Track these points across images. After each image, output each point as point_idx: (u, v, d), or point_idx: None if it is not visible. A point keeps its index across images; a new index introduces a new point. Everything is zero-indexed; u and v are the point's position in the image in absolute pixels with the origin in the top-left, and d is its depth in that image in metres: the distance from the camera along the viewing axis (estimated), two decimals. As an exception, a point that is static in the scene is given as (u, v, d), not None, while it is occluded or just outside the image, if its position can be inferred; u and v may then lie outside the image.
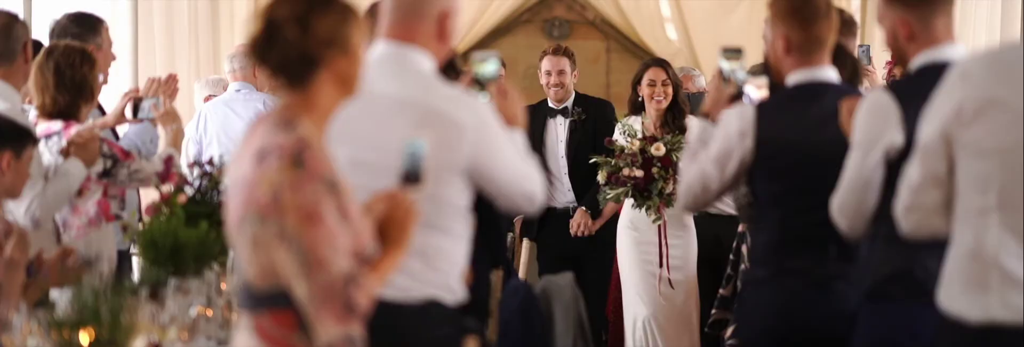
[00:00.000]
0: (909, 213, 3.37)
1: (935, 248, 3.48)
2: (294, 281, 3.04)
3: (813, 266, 4.30)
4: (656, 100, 7.67)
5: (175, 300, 4.13)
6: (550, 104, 8.13)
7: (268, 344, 3.09)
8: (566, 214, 8.02)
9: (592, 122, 7.99)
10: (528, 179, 3.69)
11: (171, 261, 4.60)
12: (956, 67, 3.32)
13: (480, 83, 3.87)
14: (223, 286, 4.47)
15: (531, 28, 12.19)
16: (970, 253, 3.23)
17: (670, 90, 7.69)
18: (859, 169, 3.88)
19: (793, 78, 4.39)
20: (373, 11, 5.47)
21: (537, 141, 7.84)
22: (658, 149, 7.24)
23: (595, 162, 7.42)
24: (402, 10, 3.69)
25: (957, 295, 3.25)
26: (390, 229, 3.23)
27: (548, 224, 8.06)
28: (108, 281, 3.79)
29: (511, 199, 3.70)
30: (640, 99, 7.74)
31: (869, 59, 8.50)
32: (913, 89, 3.84)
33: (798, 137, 4.31)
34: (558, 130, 8.06)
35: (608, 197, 7.35)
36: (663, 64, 7.85)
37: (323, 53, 3.12)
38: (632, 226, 7.62)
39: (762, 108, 4.40)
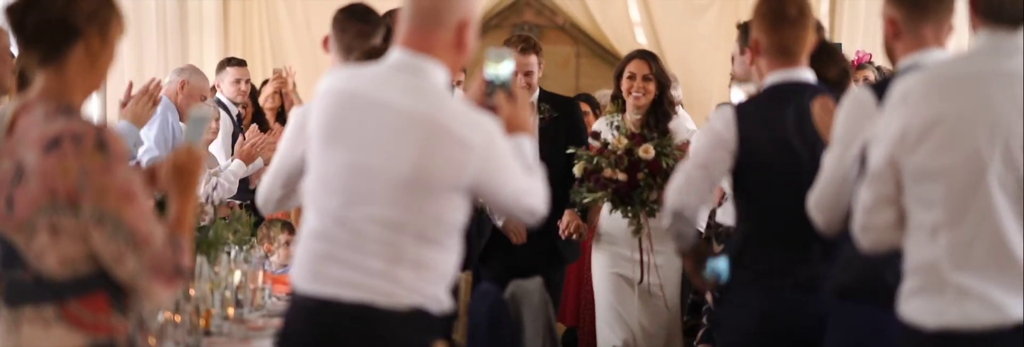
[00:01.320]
0: (865, 232, 3.47)
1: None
2: (119, 260, 3.10)
3: (796, 266, 4.33)
4: (634, 96, 6.77)
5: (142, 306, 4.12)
6: None
7: (86, 331, 3.14)
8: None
9: (563, 122, 7.11)
10: (530, 194, 3.66)
11: (139, 266, 4.57)
12: (896, 89, 3.40)
13: (493, 83, 3.77)
14: (191, 292, 4.46)
15: (500, 33, 12.21)
16: (922, 267, 3.34)
17: (653, 86, 6.79)
18: (837, 165, 3.92)
19: (770, 79, 4.44)
20: (390, 17, 5.51)
21: None
22: (647, 152, 6.33)
23: (573, 153, 6.57)
24: (420, 18, 3.63)
25: (914, 304, 3.36)
26: (180, 176, 3.30)
27: (498, 238, 7.08)
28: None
29: (512, 213, 3.69)
30: (621, 95, 6.89)
31: None
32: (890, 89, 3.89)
33: (775, 136, 4.36)
34: None
35: (584, 200, 6.46)
36: (648, 57, 6.93)
37: (84, 26, 3.18)
38: (609, 239, 6.88)
39: (741, 109, 4.45)
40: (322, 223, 3.61)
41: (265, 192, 4.04)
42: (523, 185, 3.64)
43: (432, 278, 3.59)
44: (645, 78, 6.79)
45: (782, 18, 4.40)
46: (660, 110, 6.78)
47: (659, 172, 6.28)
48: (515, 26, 12.27)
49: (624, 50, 11.69)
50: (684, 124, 6.94)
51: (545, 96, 7.17)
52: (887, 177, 3.37)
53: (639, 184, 6.33)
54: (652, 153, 6.32)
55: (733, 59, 5.64)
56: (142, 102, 6.00)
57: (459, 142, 3.52)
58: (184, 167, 3.29)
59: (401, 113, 3.55)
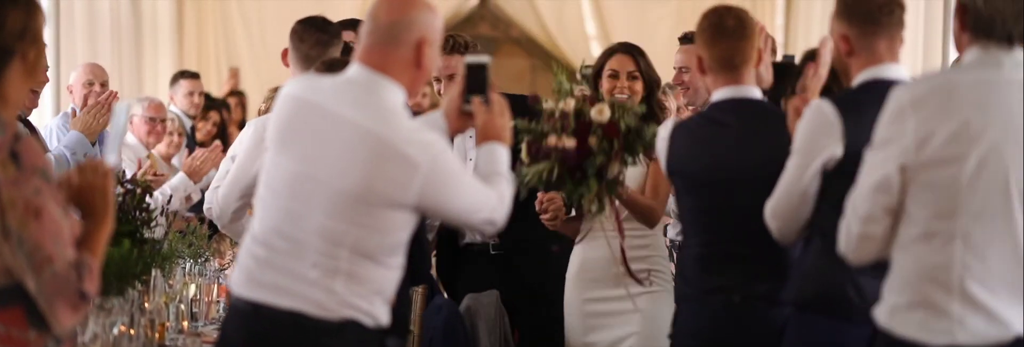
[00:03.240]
0: (863, 242, 3.44)
1: (867, 267, 3.56)
2: (23, 278, 3.04)
3: (739, 284, 4.34)
4: (618, 98, 5.52)
5: (97, 319, 4.10)
6: None
7: (6, 346, 3.09)
8: (485, 253, 6.06)
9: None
10: (486, 208, 3.65)
11: (93, 280, 4.55)
12: (900, 99, 3.38)
13: (471, 89, 3.76)
14: (146, 305, 4.45)
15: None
16: (925, 279, 3.32)
17: (639, 86, 5.68)
18: (798, 178, 3.94)
19: (715, 96, 4.46)
20: (297, 30, 5.50)
21: None
22: (601, 112, 5.07)
23: (516, 128, 4.98)
24: (378, 35, 3.65)
25: (913, 320, 3.34)
26: (91, 197, 3.23)
27: (464, 264, 6.18)
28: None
29: (468, 226, 3.70)
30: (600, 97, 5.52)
31: None
32: (855, 103, 3.93)
33: (715, 154, 4.38)
34: (467, 146, 5.94)
35: (526, 178, 5.07)
36: (633, 51, 5.75)
37: (15, 45, 3.17)
38: (582, 267, 5.59)
39: (676, 129, 4.48)
40: (265, 229, 3.63)
41: (222, 202, 4.03)
42: (478, 200, 3.64)
43: (366, 293, 3.60)
44: (631, 76, 5.69)
45: (721, 31, 4.41)
46: (648, 115, 5.40)
47: (616, 136, 5.06)
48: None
49: (579, 61, 11.72)
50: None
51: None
52: (894, 186, 3.35)
53: (591, 151, 5.05)
54: (607, 114, 5.06)
55: (682, 84, 5.63)
56: (94, 113, 5.95)
57: (405, 161, 3.53)
58: (90, 186, 3.22)
59: (352, 128, 3.56)
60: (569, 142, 5.03)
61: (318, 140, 3.58)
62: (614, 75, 5.66)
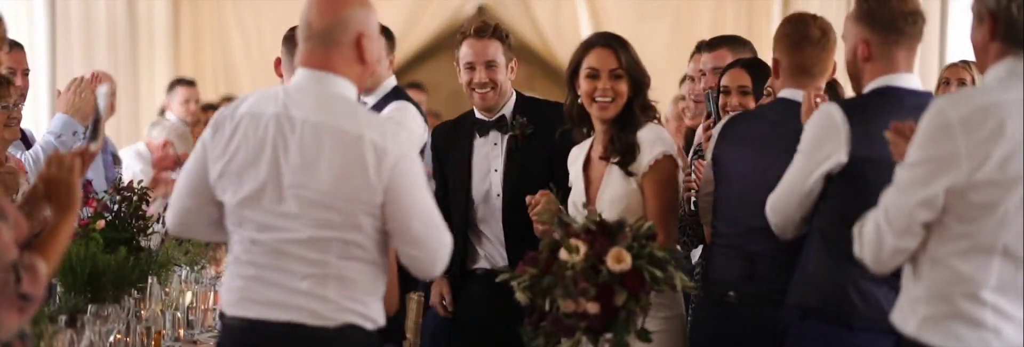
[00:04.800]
0: (896, 255, 3.37)
1: (867, 271, 3.54)
2: None
3: (738, 282, 4.36)
4: (599, 104, 4.58)
5: (93, 327, 4.09)
6: (477, 115, 5.40)
7: None
8: (491, 279, 4.49)
9: (543, 138, 5.20)
10: (442, 233, 3.67)
11: (89, 287, 4.55)
12: (944, 115, 3.26)
13: None
14: (142, 312, 4.44)
15: (453, 53, 12.22)
16: (960, 291, 3.29)
17: (624, 86, 4.57)
18: (802, 179, 3.98)
19: (783, 94, 4.48)
20: (291, 37, 5.49)
21: (460, 172, 5.37)
22: (619, 259, 3.84)
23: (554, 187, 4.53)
24: (317, 39, 3.69)
25: (948, 332, 3.30)
26: (57, 190, 3.23)
27: (466, 290, 5.39)
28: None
29: (420, 243, 3.64)
30: (578, 102, 4.66)
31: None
32: (864, 109, 3.95)
33: (746, 152, 4.43)
34: (490, 153, 5.30)
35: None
36: (613, 43, 4.64)
37: None
38: None
39: (725, 126, 4.56)
40: (245, 247, 3.65)
41: (174, 205, 3.95)
42: (436, 220, 3.65)
43: (359, 296, 3.63)
44: (613, 75, 4.58)
45: (806, 39, 4.41)
46: (627, 117, 4.59)
47: (642, 287, 3.86)
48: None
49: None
50: (661, 135, 4.62)
51: (523, 104, 5.38)
52: (938, 205, 3.27)
53: (619, 311, 3.87)
54: (627, 261, 3.85)
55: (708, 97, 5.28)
56: (76, 90, 5.71)
57: (373, 148, 3.57)
58: (55, 179, 3.22)
59: (311, 128, 3.60)
60: (592, 307, 3.84)
61: (279, 150, 3.61)
62: (593, 75, 4.59)
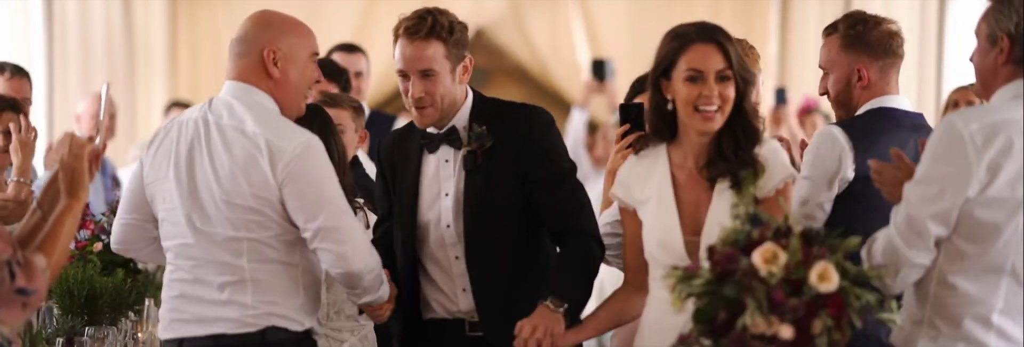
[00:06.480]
0: (911, 271, 3.30)
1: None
2: None
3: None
4: (703, 114, 3.57)
5: (91, 349, 4.09)
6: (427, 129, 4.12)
7: None
8: (457, 329, 4.07)
9: (508, 152, 4.02)
10: (351, 224, 3.77)
11: (86, 310, 4.55)
12: (960, 131, 3.20)
13: None
14: (139, 334, 4.44)
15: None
16: (968, 313, 3.26)
17: (731, 91, 3.57)
18: (811, 199, 4.02)
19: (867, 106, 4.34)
20: (350, 51, 5.52)
21: (407, 196, 4.12)
22: (824, 278, 3.02)
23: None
24: (233, 51, 3.86)
25: None
26: (68, 176, 3.27)
27: (435, 339, 4.14)
28: (23, 330, 3.74)
29: (328, 239, 3.71)
30: (666, 108, 3.65)
31: (784, 100, 8.64)
32: (865, 129, 4.03)
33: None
34: (441, 172, 4.07)
35: None
36: (720, 37, 3.61)
37: None
38: None
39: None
40: (170, 267, 3.81)
41: (115, 223, 4.01)
42: (344, 207, 3.76)
43: (277, 299, 3.73)
44: (721, 76, 3.59)
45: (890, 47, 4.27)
46: (743, 127, 3.63)
47: (842, 313, 3.06)
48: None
49: (573, 94, 11.72)
50: (780, 153, 3.71)
51: (482, 109, 4.11)
52: (952, 220, 3.22)
53: (810, 342, 3.05)
54: (833, 281, 3.03)
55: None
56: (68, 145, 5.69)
57: (270, 148, 3.70)
58: (67, 166, 3.27)
59: (218, 133, 3.75)
60: (786, 331, 3.02)
61: (200, 152, 3.76)
62: (696, 77, 3.58)
